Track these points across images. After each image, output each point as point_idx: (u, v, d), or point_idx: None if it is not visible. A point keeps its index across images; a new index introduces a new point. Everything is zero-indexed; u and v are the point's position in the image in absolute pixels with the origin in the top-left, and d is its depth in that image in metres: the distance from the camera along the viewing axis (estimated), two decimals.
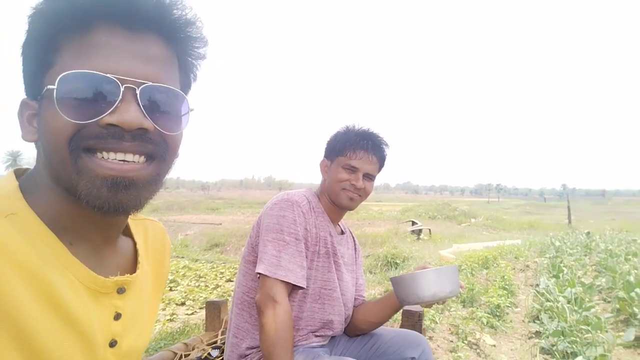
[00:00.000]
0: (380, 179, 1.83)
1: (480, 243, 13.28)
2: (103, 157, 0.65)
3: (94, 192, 0.65)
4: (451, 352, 3.78)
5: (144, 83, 0.66)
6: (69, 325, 0.67)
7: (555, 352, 3.78)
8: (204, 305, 2.50)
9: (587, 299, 5.31)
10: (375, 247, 12.14)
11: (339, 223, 1.91)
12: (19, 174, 0.74)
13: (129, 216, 0.80)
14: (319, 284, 1.72)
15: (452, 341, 4.05)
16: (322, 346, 1.75)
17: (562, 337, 3.95)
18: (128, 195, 0.67)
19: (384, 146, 1.80)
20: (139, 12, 0.66)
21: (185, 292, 6.78)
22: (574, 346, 3.77)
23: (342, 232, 1.92)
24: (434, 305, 1.69)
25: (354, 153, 1.74)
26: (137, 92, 0.65)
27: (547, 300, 5.28)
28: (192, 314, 5.62)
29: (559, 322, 4.37)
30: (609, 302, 5.83)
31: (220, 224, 20.69)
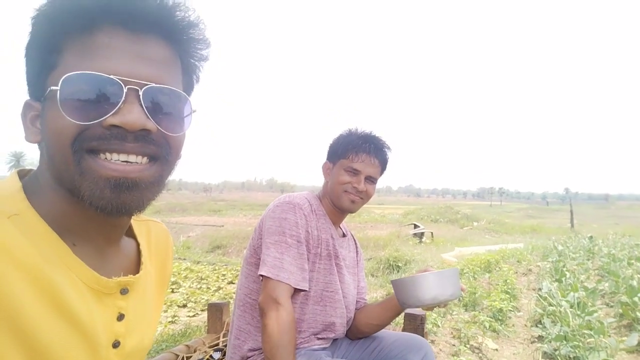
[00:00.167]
0: (382, 182, 1.83)
1: (483, 246, 13.27)
2: (106, 158, 0.65)
3: (97, 193, 0.65)
4: (453, 356, 3.77)
5: (147, 84, 0.66)
6: (72, 325, 0.67)
7: (558, 357, 3.76)
8: (206, 307, 2.50)
9: (589, 304, 5.28)
10: (377, 250, 12.13)
11: (341, 226, 1.91)
12: (22, 174, 0.74)
13: (132, 217, 0.80)
14: (320, 286, 1.72)
15: (454, 345, 4.03)
16: (324, 349, 1.74)
17: (565, 342, 3.93)
18: (131, 196, 0.67)
19: (385, 149, 1.80)
20: (142, 14, 0.66)
21: (187, 294, 6.78)
22: (577, 351, 3.75)
23: (344, 235, 1.92)
24: (435, 309, 1.68)
25: (356, 156, 1.74)
26: (140, 93, 0.66)
27: (550, 305, 5.26)
28: (193, 316, 5.62)
29: (561, 326, 4.36)
30: (611, 306, 5.80)
31: (223, 225, 20.72)
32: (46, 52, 0.66)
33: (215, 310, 2.37)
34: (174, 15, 0.69)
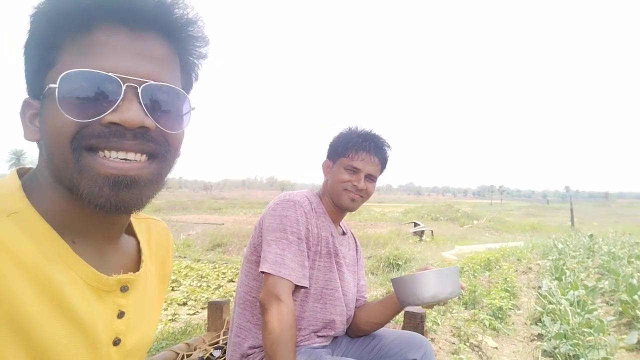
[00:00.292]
0: (382, 180, 1.83)
1: (483, 245, 13.27)
2: (105, 156, 0.65)
3: (96, 191, 0.65)
4: (453, 354, 3.77)
5: (146, 82, 0.66)
6: (72, 323, 0.67)
7: (558, 355, 3.77)
8: (206, 306, 2.50)
9: (589, 302, 5.29)
10: (377, 248, 12.14)
11: (341, 224, 1.91)
12: (22, 173, 0.74)
13: (131, 215, 0.80)
14: (320, 283, 1.72)
15: (454, 343, 4.04)
16: (324, 347, 1.75)
17: (565, 340, 3.93)
18: (130, 194, 0.67)
19: (386, 148, 1.80)
20: (141, 11, 0.66)
21: (187, 292, 6.80)
22: (576, 349, 3.75)
23: (344, 233, 1.92)
24: (435, 307, 1.69)
25: (356, 154, 1.74)
26: (139, 90, 0.66)
27: (550, 303, 5.27)
28: (194, 314, 5.64)
29: (561, 324, 4.36)
30: (611, 304, 5.81)
31: (223, 224, 20.73)
32: (45, 50, 0.66)
33: (216, 309, 2.38)
34: (173, 12, 0.69)
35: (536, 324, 4.89)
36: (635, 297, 5.05)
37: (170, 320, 5.26)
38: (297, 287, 1.60)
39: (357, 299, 1.91)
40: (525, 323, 5.15)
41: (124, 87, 0.64)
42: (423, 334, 2.07)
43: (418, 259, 9.58)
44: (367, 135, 1.78)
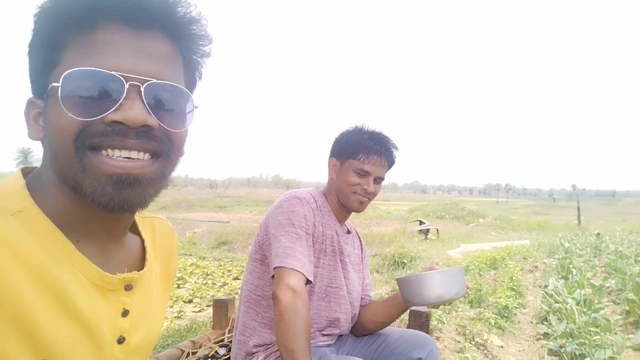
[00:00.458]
0: (387, 178, 1.82)
1: (489, 243, 13.21)
2: (108, 155, 0.65)
3: (99, 189, 0.65)
4: (458, 352, 3.76)
5: (148, 80, 0.66)
6: (76, 321, 0.67)
7: (564, 354, 3.75)
8: (212, 303, 2.51)
9: (596, 301, 5.26)
10: (382, 246, 12.14)
11: (345, 223, 1.90)
12: (26, 172, 0.74)
13: (135, 214, 0.80)
14: (325, 282, 1.72)
15: (459, 342, 4.03)
16: (328, 345, 1.75)
17: (571, 339, 3.91)
18: (133, 192, 0.67)
19: (394, 149, 1.79)
20: (144, 10, 0.66)
21: (192, 290, 6.82)
22: (583, 348, 3.73)
23: (349, 232, 1.91)
24: (441, 306, 1.68)
25: (367, 158, 1.72)
26: (142, 89, 0.66)
27: (556, 302, 5.24)
28: (199, 311, 5.66)
29: (567, 323, 4.34)
30: (618, 304, 5.77)
31: (228, 222, 20.77)
32: (48, 49, 0.66)
33: (221, 306, 2.39)
34: (176, 11, 0.69)
35: (542, 323, 4.87)
36: None
37: (175, 317, 5.28)
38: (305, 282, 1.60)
39: (362, 298, 1.91)
40: (531, 322, 5.13)
41: (126, 86, 0.64)
42: (428, 333, 2.07)
43: (423, 258, 9.56)
44: (379, 138, 1.76)
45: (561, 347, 3.92)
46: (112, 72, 0.64)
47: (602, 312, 4.75)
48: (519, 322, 5.03)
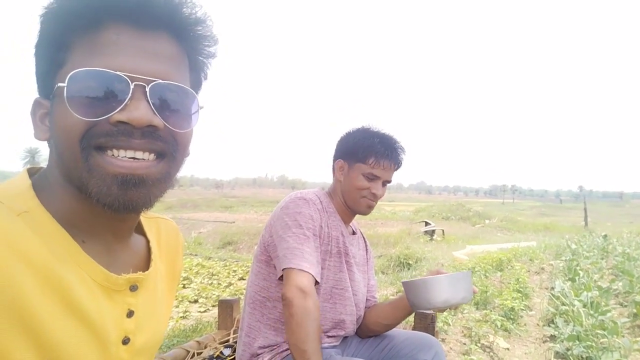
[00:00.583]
0: (393, 179, 1.81)
1: (495, 245, 13.16)
2: (113, 155, 0.65)
3: (104, 190, 0.65)
4: (464, 354, 3.75)
5: (154, 81, 0.66)
6: (81, 322, 0.67)
7: (570, 357, 3.72)
8: (217, 303, 2.51)
9: (603, 303, 5.21)
10: (387, 247, 12.13)
11: (351, 224, 1.90)
12: (32, 172, 0.74)
13: (140, 214, 0.80)
14: (330, 283, 1.71)
15: (465, 344, 4.01)
16: (334, 347, 1.74)
17: (578, 342, 3.88)
18: (138, 193, 0.67)
19: (402, 152, 1.78)
20: (149, 11, 0.66)
21: (198, 290, 6.85)
22: (590, 351, 3.70)
23: (354, 233, 1.91)
24: (446, 310, 1.66)
25: (378, 163, 1.71)
26: (147, 89, 0.66)
27: (563, 304, 5.20)
28: (204, 311, 5.67)
29: (574, 326, 4.31)
30: (625, 306, 5.72)
31: (234, 222, 20.84)
32: (54, 49, 0.66)
33: (226, 307, 2.39)
34: (181, 11, 0.69)
35: (549, 325, 4.84)
36: None
37: (181, 317, 5.30)
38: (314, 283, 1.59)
39: (367, 299, 1.90)
40: (538, 324, 5.10)
41: (132, 86, 0.64)
42: (434, 335, 2.06)
43: (429, 259, 9.54)
44: (389, 142, 1.74)
45: (568, 349, 3.89)
46: (118, 73, 0.64)
47: (609, 314, 4.71)
48: (525, 325, 5.00)
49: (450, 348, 3.85)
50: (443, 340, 3.97)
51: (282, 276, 1.55)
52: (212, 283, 7.51)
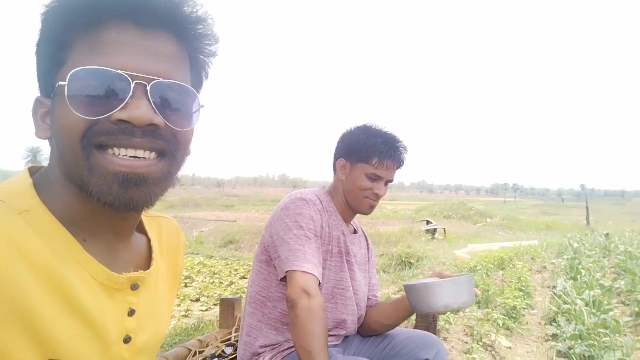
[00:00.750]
0: (395, 178, 1.80)
1: (496, 243, 13.13)
2: (114, 154, 0.65)
3: (105, 188, 0.65)
4: (466, 353, 3.74)
5: (155, 79, 0.66)
6: (83, 321, 0.67)
7: (573, 356, 3.72)
8: (219, 302, 2.52)
9: (605, 302, 5.20)
10: (389, 246, 12.12)
11: (352, 222, 1.89)
12: (34, 171, 0.75)
13: (141, 213, 0.80)
14: (331, 283, 1.71)
15: (467, 343, 4.00)
16: (335, 346, 1.74)
17: (580, 341, 3.88)
18: (139, 192, 0.67)
19: (405, 152, 1.77)
20: (150, 9, 0.66)
21: (200, 289, 6.85)
22: (592, 350, 3.69)
23: (355, 232, 1.90)
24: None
25: (381, 163, 1.70)
26: (148, 88, 0.66)
27: (565, 303, 5.19)
28: (206, 310, 5.68)
29: (576, 325, 4.30)
30: (628, 305, 5.71)
31: (235, 221, 20.85)
32: (55, 48, 0.67)
33: (228, 306, 2.39)
34: (182, 10, 0.69)
35: (551, 324, 4.83)
36: None
37: (183, 316, 5.31)
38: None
39: (368, 298, 1.90)
40: (540, 323, 5.09)
41: (133, 85, 0.64)
42: (435, 334, 2.06)
43: (431, 258, 9.53)
44: (392, 142, 1.73)
45: (570, 348, 3.88)
46: (119, 71, 0.64)
47: (611, 313, 4.70)
48: (527, 323, 4.99)
49: (452, 347, 3.85)
50: (445, 339, 3.96)
51: (284, 277, 1.55)
52: (213, 282, 7.52)
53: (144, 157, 0.67)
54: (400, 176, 1.82)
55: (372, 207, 1.76)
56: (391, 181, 1.76)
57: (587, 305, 4.91)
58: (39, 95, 0.72)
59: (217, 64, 0.80)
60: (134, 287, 0.76)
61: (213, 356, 2.02)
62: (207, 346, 2.12)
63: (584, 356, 3.68)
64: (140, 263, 0.82)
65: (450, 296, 1.51)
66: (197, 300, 6.24)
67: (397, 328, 1.87)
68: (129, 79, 0.64)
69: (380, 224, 20.06)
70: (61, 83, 0.64)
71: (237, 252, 13.12)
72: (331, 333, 1.72)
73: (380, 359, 1.78)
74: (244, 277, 7.96)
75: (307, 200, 1.67)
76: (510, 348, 4.15)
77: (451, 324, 4.33)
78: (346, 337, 1.81)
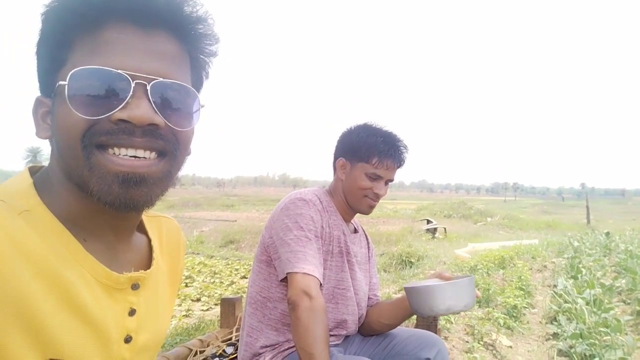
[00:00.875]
0: (395, 177, 1.79)
1: (497, 242, 13.12)
2: (114, 153, 0.65)
3: (105, 188, 0.65)
4: (467, 352, 3.74)
5: (155, 79, 0.66)
6: (83, 321, 0.67)
7: (574, 355, 3.72)
8: (219, 302, 2.52)
9: (606, 301, 5.20)
10: (389, 245, 12.11)
11: (352, 221, 1.89)
12: (34, 171, 0.75)
13: (142, 212, 0.80)
14: (332, 283, 1.71)
15: (467, 342, 4.00)
16: (335, 345, 1.74)
17: (581, 340, 3.88)
18: (139, 191, 0.67)
19: (405, 151, 1.77)
20: (150, 9, 0.66)
21: (200, 288, 6.84)
22: (593, 349, 3.69)
23: (355, 231, 1.90)
24: None
25: (381, 163, 1.69)
26: (148, 88, 0.66)
27: (565, 302, 5.20)
28: (207, 310, 5.67)
29: (577, 324, 4.30)
30: (628, 304, 5.71)
31: (235, 220, 20.84)
32: (56, 48, 0.67)
33: (228, 305, 2.39)
34: (182, 10, 0.69)
35: (551, 323, 4.83)
36: None
37: (184, 316, 5.30)
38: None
39: (369, 297, 1.89)
40: (541, 322, 5.09)
41: (133, 85, 0.65)
42: (436, 333, 2.06)
43: (431, 257, 9.52)
44: (392, 141, 1.72)
45: (571, 347, 3.88)
46: (119, 71, 0.64)
47: (612, 312, 4.70)
48: (528, 322, 4.99)
49: (453, 346, 3.85)
50: (445, 338, 3.96)
51: (284, 278, 1.55)
52: (214, 281, 7.51)
53: (144, 157, 0.67)
54: (400, 175, 1.81)
55: (372, 207, 1.75)
56: (391, 180, 1.75)
57: (587, 304, 4.91)
58: (39, 94, 0.72)
59: (217, 64, 0.80)
60: (135, 286, 0.76)
61: (214, 355, 2.02)
62: (208, 345, 2.12)
63: (585, 355, 3.68)
64: (140, 262, 0.82)
65: (451, 299, 1.50)
66: (198, 299, 6.24)
67: (398, 327, 1.87)
68: (129, 78, 0.64)
69: (381, 223, 20.04)
70: (61, 83, 0.64)
71: (237, 252, 13.10)
72: (332, 333, 1.72)
73: (381, 358, 1.78)
74: (244, 277, 7.95)
75: (307, 200, 1.66)
76: (511, 347, 4.15)
77: (452, 323, 4.33)
78: (347, 336, 1.81)
